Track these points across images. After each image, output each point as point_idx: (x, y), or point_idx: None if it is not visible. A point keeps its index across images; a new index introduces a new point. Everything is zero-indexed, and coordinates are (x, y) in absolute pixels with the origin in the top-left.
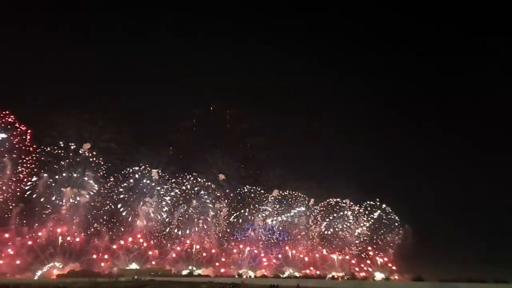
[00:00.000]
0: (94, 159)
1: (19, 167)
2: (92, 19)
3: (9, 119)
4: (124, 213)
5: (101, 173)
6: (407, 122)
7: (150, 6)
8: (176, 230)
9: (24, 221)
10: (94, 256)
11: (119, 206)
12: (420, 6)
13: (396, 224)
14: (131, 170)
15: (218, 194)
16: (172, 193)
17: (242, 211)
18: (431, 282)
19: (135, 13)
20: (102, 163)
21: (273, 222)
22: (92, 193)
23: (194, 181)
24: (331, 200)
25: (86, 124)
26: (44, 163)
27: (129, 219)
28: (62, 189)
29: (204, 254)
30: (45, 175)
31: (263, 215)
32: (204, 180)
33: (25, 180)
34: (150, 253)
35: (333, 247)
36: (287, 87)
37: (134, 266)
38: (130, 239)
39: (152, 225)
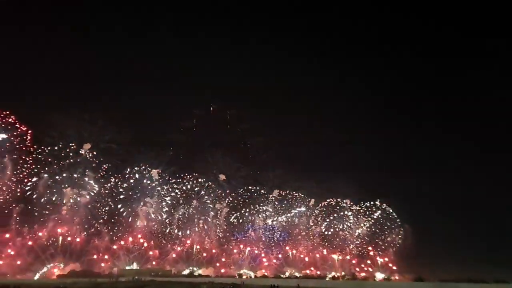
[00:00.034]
0: (95, 159)
1: (19, 168)
2: (92, 19)
3: (10, 120)
4: (124, 214)
5: (102, 174)
6: (407, 122)
7: (150, 6)
8: (176, 231)
9: (25, 222)
10: (95, 257)
11: (119, 206)
12: (420, 6)
13: (396, 224)
14: (131, 170)
15: (219, 194)
16: (173, 194)
17: (243, 211)
18: (432, 282)
19: (135, 13)
20: (102, 163)
21: (273, 222)
22: (92, 194)
23: (194, 181)
24: (332, 200)
25: (86, 124)
26: (45, 164)
27: (130, 220)
28: (62, 189)
29: (205, 255)
30: (46, 175)
31: (264, 215)
32: (205, 180)
33: (25, 180)
34: (150, 253)
35: (333, 247)
36: (287, 87)
37: (134, 266)
38: (130, 239)
39: (153, 226)
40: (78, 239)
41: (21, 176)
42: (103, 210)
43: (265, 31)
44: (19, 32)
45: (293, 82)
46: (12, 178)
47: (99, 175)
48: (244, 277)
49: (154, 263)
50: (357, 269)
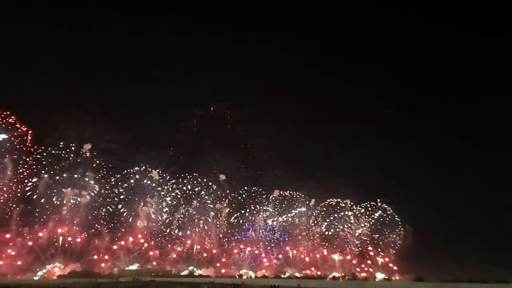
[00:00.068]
0: (95, 159)
1: (20, 168)
2: (92, 19)
3: (10, 120)
4: (124, 214)
5: (102, 174)
6: (407, 122)
7: (150, 6)
8: (176, 231)
9: (25, 222)
10: (95, 257)
11: (119, 206)
12: (420, 6)
13: (397, 224)
14: (131, 170)
15: (219, 195)
16: (173, 194)
17: (243, 211)
18: (432, 283)
19: (135, 13)
20: (102, 163)
21: (273, 222)
22: (92, 194)
23: (195, 182)
24: (332, 200)
25: (87, 124)
26: (45, 164)
27: (130, 220)
28: (63, 189)
29: (205, 255)
30: (46, 175)
31: (264, 215)
32: (205, 180)
33: (26, 180)
34: (150, 253)
35: (334, 248)
36: (287, 87)
37: (134, 266)
38: (130, 239)
39: (153, 226)
40: (78, 240)
41: (21, 176)
42: (104, 210)
43: (265, 31)
44: (19, 32)
45: (293, 82)
46: (13, 179)
47: (99, 175)
48: (245, 277)
49: (154, 263)
50: (358, 269)
